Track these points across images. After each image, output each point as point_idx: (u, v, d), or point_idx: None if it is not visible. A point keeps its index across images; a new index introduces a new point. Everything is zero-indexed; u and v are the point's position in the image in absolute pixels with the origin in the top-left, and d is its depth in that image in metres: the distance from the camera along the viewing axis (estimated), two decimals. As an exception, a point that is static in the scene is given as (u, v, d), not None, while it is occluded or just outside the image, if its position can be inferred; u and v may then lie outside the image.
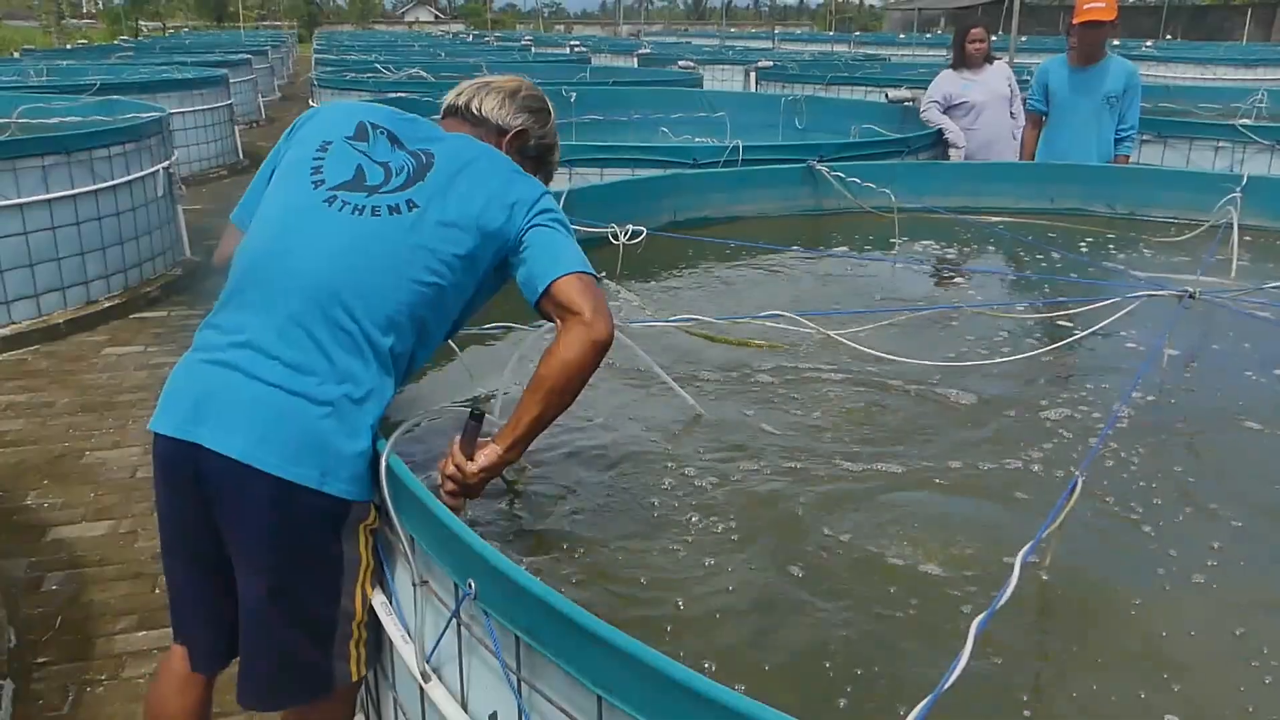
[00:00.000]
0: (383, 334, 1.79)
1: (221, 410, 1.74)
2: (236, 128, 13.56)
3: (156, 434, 1.80)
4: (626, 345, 2.47)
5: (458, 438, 1.80)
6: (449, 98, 2.16)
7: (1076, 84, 5.65)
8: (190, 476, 1.76)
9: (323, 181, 1.90)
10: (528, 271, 1.87)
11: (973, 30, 6.41)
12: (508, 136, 2.10)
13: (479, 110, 2.09)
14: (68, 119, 7.76)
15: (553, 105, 2.21)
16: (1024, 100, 6.32)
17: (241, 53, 20.03)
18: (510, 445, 1.78)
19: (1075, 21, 5.56)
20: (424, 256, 1.82)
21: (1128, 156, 5.66)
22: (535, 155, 2.15)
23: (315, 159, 1.94)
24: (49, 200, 6.28)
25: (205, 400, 1.76)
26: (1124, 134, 5.61)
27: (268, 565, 1.77)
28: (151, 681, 2.37)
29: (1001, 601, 1.35)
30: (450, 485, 1.80)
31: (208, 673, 2.03)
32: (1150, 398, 2.67)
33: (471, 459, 1.78)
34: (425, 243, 1.83)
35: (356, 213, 1.84)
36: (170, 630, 2.05)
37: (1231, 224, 3.75)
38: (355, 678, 1.87)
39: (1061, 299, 3.37)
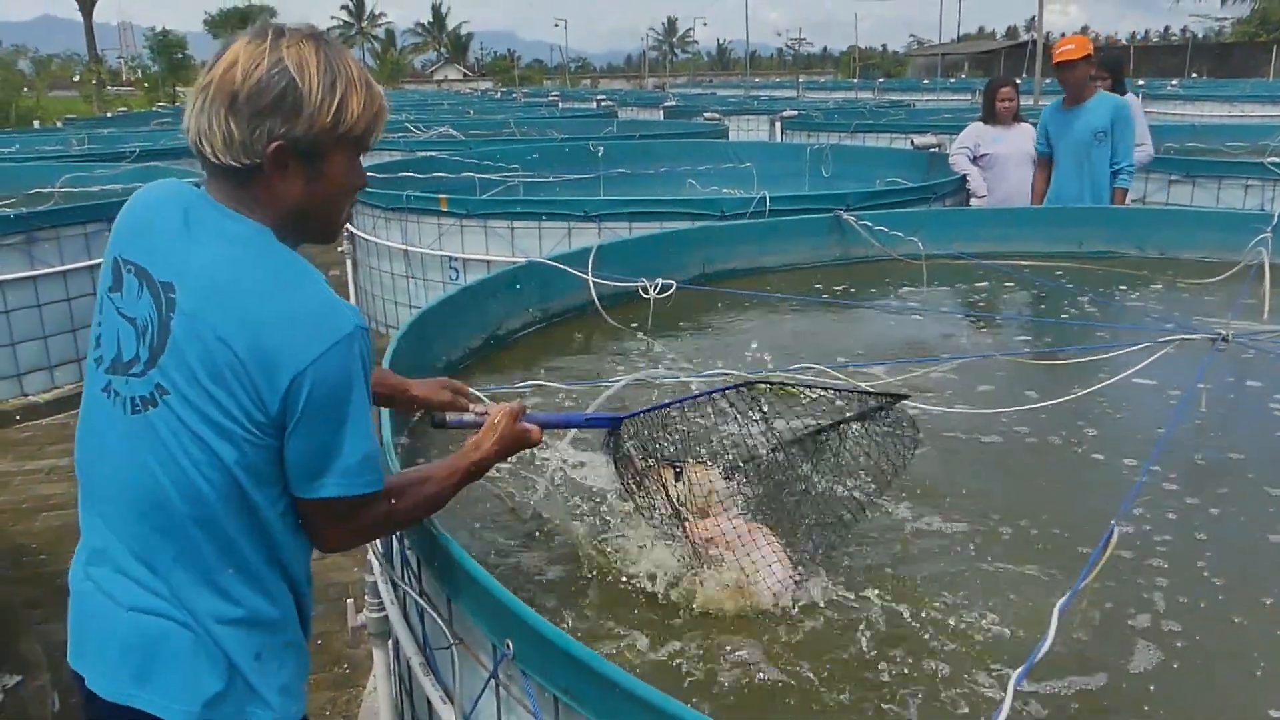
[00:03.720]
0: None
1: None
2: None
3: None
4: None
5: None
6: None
7: (1065, 123, 5.73)
8: None
9: (100, 359, 1.56)
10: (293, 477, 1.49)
11: (1002, 89, 6.49)
12: (262, 174, 1.48)
13: (214, 157, 1.47)
14: (109, 186, 7.95)
15: (316, 54, 1.47)
16: None
17: (275, 116, 20.39)
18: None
19: (1054, 64, 5.75)
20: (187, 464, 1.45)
21: (1124, 190, 5.63)
22: (308, 151, 1.47)
23: (96, 322, 1.60)
24: (91, 266, 6.43)
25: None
26: (1117, 167, 5.60)
27: None
28: None
29: (1040, 654, 1.35)
30: None
31: None
32: (1186, 443, 2.64)
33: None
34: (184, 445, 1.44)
35: (124, 408, 1.50)
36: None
37: (1263, 264, 3.73)
38: None
39: (1093, 344, 3.36)
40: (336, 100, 1.47)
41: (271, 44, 1.46)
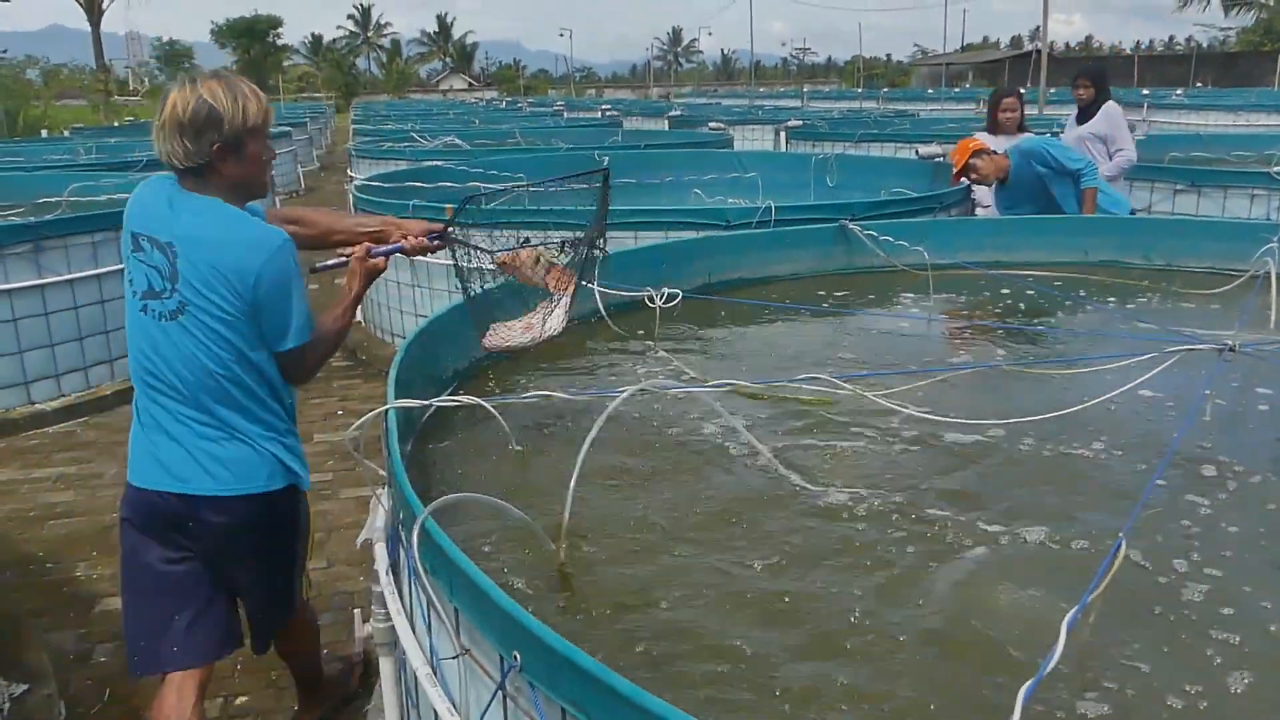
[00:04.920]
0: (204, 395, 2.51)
1: None
2: (277, 198, 13.88)
3: None
4: (711, 408, 2.49)
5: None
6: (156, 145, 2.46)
7: (1009, 190, 5.90)
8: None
9: (136, 291, 2.51)
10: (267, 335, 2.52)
11: (1005, 100, 6.52)
12: (211, 167, 2.44)
13: (180, 164, 2.44)
14: (117, 195, 7.98)
15: (220, 89, 2.40)
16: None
17: (281, 125, 20.52)
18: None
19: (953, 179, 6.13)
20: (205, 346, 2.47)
21: (1092, 189, 5.66)
22: (230, 148, 2.43)
23: (127, 270, 2.56)
24: (98, 275, 6.46)
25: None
26: (1077, 168, 5.68)
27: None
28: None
29: (1048, 668, 1.35)
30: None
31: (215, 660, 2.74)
32: (1193, 454, 2.64)
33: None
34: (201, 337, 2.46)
35: (161, 319, 2.48)
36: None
37: (1270, 274, 3.72)
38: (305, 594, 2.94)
39: (1099, 354, 3.35)
40: (240, 109, 2.41)
41: (191, 87, 2.39)
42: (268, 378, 2.55)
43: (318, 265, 2.79)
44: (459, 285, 2.88)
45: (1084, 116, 6.83)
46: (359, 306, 2.77)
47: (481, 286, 2.91)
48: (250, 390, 2.52)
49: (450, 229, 2.89)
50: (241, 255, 2.40)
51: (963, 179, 5.96)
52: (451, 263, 2.92)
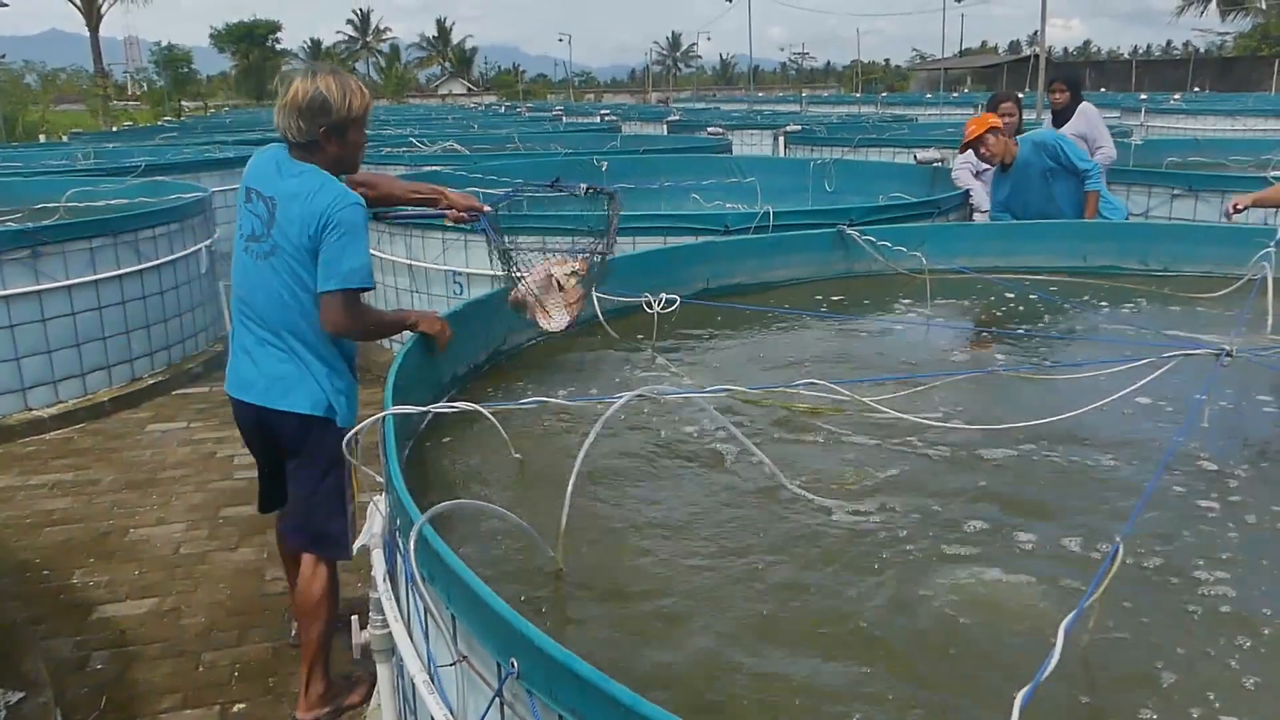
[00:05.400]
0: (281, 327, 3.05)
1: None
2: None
3: None
4: (711, 414, 2.48)
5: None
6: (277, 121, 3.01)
7: (1012, 181, 5.88)
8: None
9: (243, 234, 3.08)
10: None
11: (1003, 104, 6.53)
12: (316, 147, 3.00)
13: (293, 139, 3.00)
14: (114, 201, 7.98)
15: (333, 82, 2.95)
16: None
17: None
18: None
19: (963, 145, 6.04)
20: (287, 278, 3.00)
21: (1095, 193, 5.70)
22: (335, 132, 2.98)
23: (239, 217, 3.11)
24: (96, 281, 6.45)
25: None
26: (1085, 168, 5.73)
27: None
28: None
29: (1046, 673, 1.34)
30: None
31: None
32: (1190, 459, 2.64)
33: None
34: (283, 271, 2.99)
35: (258, 258, 3.03)
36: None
37: (1267, 279, 3.73)
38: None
39: (1097, 359, 3.35)
40: (347, 102, 2.97)
41: (311, 79, 2.95)
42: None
43: (392, 215, 3.91)
44: (499, 263, 3.31)
45: (1059, 120, 6.93)
46: (398, 331, 3.13)
47: (513, 269, 3.28)
48: (316, 328, 3.01)
49: (491, 210, 3.40)
50: (320, 205, 2.90)
51: (970, 149, 5.89)
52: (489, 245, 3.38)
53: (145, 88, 50.95)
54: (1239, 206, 4.96)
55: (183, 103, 45.60)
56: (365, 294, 3.00)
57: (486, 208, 3.40)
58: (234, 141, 15.77)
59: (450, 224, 3.59)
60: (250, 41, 65.28)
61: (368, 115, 3.08)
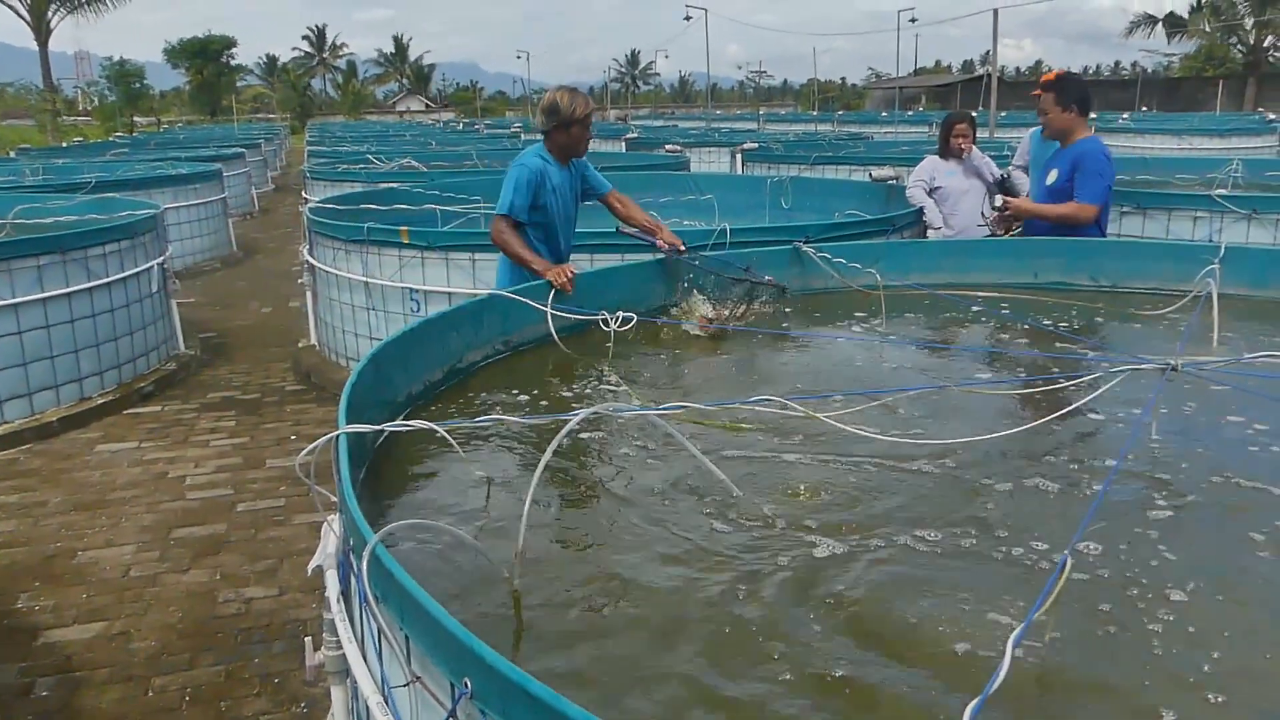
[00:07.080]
0: None
1: None
2: (230, 220, 13.72)
3: None
4: (664, 431, 2.49)
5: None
6: None
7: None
8: None
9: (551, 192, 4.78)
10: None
11: (957, 125, 6.59)
12: (548, 136, 4.74)
13: (539, 128, 4.76)
14: (63, 218, 7.86)
15: (565, 95, 4.66)
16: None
17: (235, 146, 20.34)
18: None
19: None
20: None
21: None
22: (562, 127, 4.64)
23: (547, 190, 4.73)
24: (43, 299, 6.35)
25: None
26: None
27: None
28: None
29: (994, 687, 1.36)
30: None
31: None
32: (1136, 473, 2.68)
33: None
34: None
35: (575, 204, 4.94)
36: None
37: (1212, 295, 3.81)
38: None
39: (1045, 375, 3.41)
40: (571, 108, 4.61)
41: (554, 91, 4.70)
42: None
43: (622, 229, 4.86)
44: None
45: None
46: (521, 265, 4.47)
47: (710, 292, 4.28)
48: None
49: (686, 249, 4.51)
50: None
51: (1039, 93, 5.51)
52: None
53: (96, 102, 50.26)
54: (1006, 209, 5.56)
55: (135, 118, 45.02)
56: (508, 221, 4.61)
57: (683, 246, 4.49)
58: (187, 158, 15.60)
59: (661, 251, 4.51)
60: (205, 57, 64.59)
61: (589, 118, 4.66)
